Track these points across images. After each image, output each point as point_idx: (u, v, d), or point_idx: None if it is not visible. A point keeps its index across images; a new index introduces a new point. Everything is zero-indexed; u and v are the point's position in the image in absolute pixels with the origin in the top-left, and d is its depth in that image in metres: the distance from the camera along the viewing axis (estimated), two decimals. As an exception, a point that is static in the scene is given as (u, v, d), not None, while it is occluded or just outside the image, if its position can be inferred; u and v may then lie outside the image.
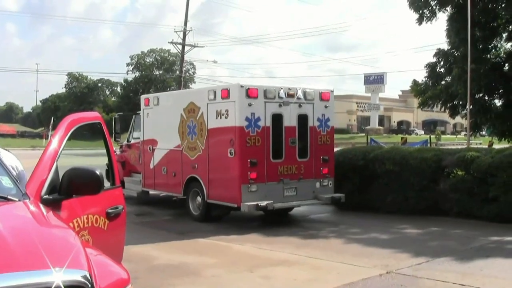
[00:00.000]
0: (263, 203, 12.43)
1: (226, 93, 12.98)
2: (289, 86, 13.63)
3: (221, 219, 13.52)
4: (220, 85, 14.45)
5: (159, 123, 15.52)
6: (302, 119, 13.49)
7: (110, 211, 4.86)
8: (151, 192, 16.62)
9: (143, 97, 16.76)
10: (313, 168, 13.59)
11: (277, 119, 13.08)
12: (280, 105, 13.09)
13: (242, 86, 12.72)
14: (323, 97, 13.86)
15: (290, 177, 13.14)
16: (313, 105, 13.67)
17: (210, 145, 13.40)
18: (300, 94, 13.46)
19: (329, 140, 13.96)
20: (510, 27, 20.83)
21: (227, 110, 12.89)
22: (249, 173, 12.54)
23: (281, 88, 13.31)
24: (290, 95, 13.29)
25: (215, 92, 13.37)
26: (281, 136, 13.12)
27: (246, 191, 12.47)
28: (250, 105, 12.61)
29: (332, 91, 14.27)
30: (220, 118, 13.11)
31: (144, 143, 16.07)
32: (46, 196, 4.18)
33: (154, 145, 15.66)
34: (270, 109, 12.96)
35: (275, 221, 13.43)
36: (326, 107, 13.90)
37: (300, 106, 13.44)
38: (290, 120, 13.28)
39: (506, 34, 21.25)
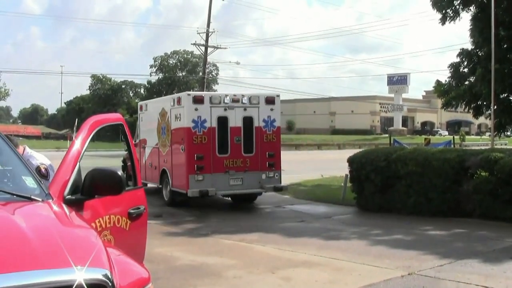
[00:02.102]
0: (206, 190, 14.87)
1: (179, 100, 15.81)
2: (235, 93, 16.08)
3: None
4: (177, 94, 17.29)
5: (147, 125, 18.67)
6: (248, 120, 15.69)
7: (132, 211, 4.90)
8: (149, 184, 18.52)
9: (139, 104, 20.47)
10: (258, 162, 15.72)
11: (222, 121, 15.44)
12: (225, 109, 15.47)
13: (189, 95, 15.73)
14: (268, 101, 16.00)
15: (235, 169, 15.42)
16: (259, 109, 15.83)
17: (173, 143, 16.09)
18: (245, 99, 15.73)
19: (275, 138, 16.06)
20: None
21: (180, 114, 15.57)
22: (195, 165, 14.96)
23: (227, 95, 15.76)
24: (235, 101, 15.61)
25: (174, 100, 16.27)
26: (226, 135, 15.45)
27: (193, 180, 14.97)
28: (196, 109, 15.12)
29: (278, 96, 16.54)
30: (177, 120, 15.81)
31: (140, 142, 19.04)
32: (69, 197, 4.23)
33: (145, 143, 18.69)
34: (216, 112, 15.37)
35: (296, 223, 13.46)
36: (271, 109, 16.01)
37: (245, 109, 15.67)
38: (235, 121, 15.54)
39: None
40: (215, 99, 15.46)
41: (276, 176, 15.87)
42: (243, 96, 15.88)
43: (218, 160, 15.27)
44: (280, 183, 15.97)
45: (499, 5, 19.10)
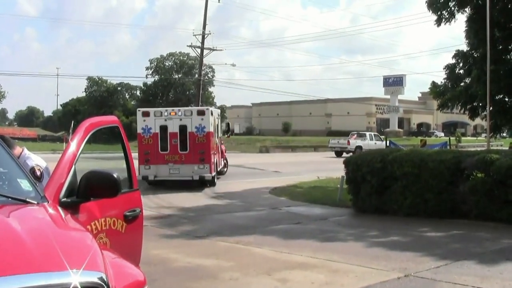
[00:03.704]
0: (146, 175, 21.36)
1: (136, 114, 22.57)
2: (173, 108, 23.09)
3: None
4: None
5: None
6: (183, 127, 21.67)
7: (127, 214, 4.90)
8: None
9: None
10: (191, 157, 21.52)
11: (164, 128, 21.71)
12: (165, 120, 21.79)
13: (139, 110, 22.64)
14: (199, 113, 21.94)
15: (174, 162, 21.56)
16: (191, 119, 21.74)
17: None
18: (180, 112, 22.07)
19: (205, 140, 21.61)
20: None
21: (137, 123, 22.28)
22: (144, 158, 21.53)
23: (166, 110, 22.37)
24: (172, 113, 21.96)
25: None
26: (166, 138, 21.66)
27: (143, 169, 21.43)
28: (144, 120, 21.86)
29: (207, 109, 22.67)
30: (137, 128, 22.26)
31: None
32: (65, 199, 4.22)
33: None
34: (159, 122, 21.78)
35: (293, 224, 13.45)
36: (202, 119, 21.67)
37: (181, 119, 21.78)
38: (173, 128, 21.68)
39: (526, 34, 21.04)
40: (157, 113, 22.10)
41: (206, 168, 21.57)
42: (179, 110, 22.43)
43: (160, 155, 21.57)
44: (209, 173, 21.56)
45: (494, 6, 19.13)
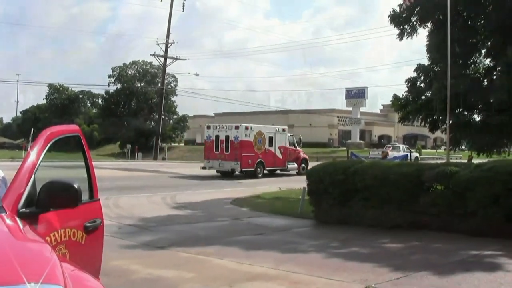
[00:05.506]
0: (206, 167, 34.65)
1: (205, 127, 37.57)
2: (224, 123, 37.20)
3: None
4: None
5: None
6: (227, 136, 33.86)
7: (88, 224, 4.82)
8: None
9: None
10: (230, 156, 33.29)
11: (217, 136, 34.32)
12: (218, 131, 34.50)
13: (206, 124, 37.69)
14: (235, 128, 33.87)
15: (221, 159, 33.78)
16: (232, 131, 33.87)
17: None
18: (226, 127, 34.60)
19: (238, 145, 33.29)
20: (489, 43, 21.08)
21: (204, 133, 37.01)
22: (207, 156, 34.87)
23: (219, 125, 35.68)
24: (221, 127, 34.74)
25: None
26: (218, 143, 34.07)
27: (206, 162, 35.06)
28: (207, 131, 35.61)
29: (241, 125, 34.27)
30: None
31: None
32: (23, 210, 4.13)
33: None
34: (214, 132, 34.71)
35: (255, 235, 13.43)
36: (237, 131, 33.64)
37: (226, 131, 34.19)
38: (222, 136, 34.07)
39: (485, 50, 21.51)
40: (214, 127, 35.57)
41: (237, 164, 33.34)
42: (225, 125, 35.21)
43: (214, 154, 34.15)
44: (239, 168, 33.63)
45: (455, 23, 19.50)
